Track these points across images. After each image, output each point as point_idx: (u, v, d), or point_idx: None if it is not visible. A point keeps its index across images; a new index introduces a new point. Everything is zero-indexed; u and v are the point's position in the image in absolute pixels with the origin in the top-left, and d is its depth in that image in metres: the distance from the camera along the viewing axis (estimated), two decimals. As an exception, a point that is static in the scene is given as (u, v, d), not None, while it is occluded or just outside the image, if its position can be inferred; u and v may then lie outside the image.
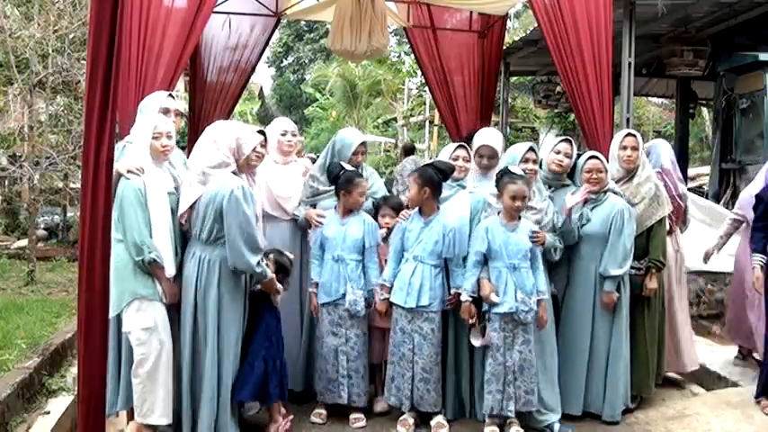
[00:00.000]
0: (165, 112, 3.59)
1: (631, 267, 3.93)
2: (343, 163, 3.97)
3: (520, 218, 3.73)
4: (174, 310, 3.37)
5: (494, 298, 3.64)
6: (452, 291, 3.78)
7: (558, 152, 4.00)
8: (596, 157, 3.98)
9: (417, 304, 3.70)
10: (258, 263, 3.32)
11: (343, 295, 3.85)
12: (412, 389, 3.74)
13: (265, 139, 3.66)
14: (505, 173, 3.69)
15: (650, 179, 4.07)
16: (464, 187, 4.03)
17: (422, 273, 3.73)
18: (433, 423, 3.77)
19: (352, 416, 3.87)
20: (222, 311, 3.35)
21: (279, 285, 3.58)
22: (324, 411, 3.90)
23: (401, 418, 3.80)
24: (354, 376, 3.88)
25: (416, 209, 3.87)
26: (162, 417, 3.28)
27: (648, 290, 4.01)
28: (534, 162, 3.83)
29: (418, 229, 3.80)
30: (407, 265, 3.78)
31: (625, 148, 4.08)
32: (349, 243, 3.88)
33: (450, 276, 3.81)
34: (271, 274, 3.48)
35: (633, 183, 4.07)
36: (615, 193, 3.99)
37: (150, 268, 3.22)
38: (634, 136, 4.11)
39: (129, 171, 3.23)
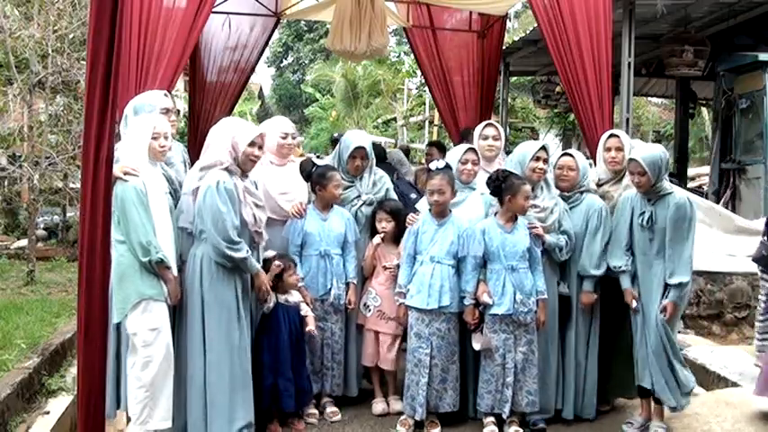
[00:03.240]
0: (166, 112, 3.59)
1: (618, 269, 3.87)
2: (314, 159, 4.01)
3: (517, 218, 3.73)
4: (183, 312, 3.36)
5: (486, 299, 3.65)
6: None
7: (561, 167, 3.90)
8: (569, 155, 3.95)
9: (439, 305, 3.68)
10: (234, 250, 3.26)
11: (329, 290, 3.89)
12: (428, 393, 3.71)
13: None
14: (510, 175, 3.66)
15: None
16: (474, 189, 4.03)
17: (440, 273, 3.72)
18: (426, 422, 3.76)
19: (329, 410, 3.94)
20: (205, 307, 3.32)
21: (267, 289, 3.55)
22: (316, 411, 3.93)
23: (401, 418, 3.80)
24: (336, 368, 3.97)
25: (427, 210, 3.86)
26: (163, 420, 3.20)
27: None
28: (545, 161, 3.79)
29: (432, 230, 3.79)
30: (424, 267, 3.75)
31: (609, 149, 3.97)
32: (332, 238, 3.91)
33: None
34: (258, 267, 3.45)
35: (622, 184, 3.96)
36: (594, 193, 3.93)
37: (157, 268, 3.17)
38: (618, 137, 4.00)
39: (125, 173, 3.16)
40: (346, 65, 20.19)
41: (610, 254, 3.78)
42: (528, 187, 3.63)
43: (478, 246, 3.68)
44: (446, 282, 3.71)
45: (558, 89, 11.01)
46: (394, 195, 4.31)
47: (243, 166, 3.39)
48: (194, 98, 6.19)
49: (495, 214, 3.77)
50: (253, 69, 6.55)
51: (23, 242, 8.17)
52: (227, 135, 3.37)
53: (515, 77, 12.67)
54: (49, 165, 6.96)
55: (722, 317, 5.91)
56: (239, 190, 3.34)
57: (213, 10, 4.61)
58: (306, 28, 30.92)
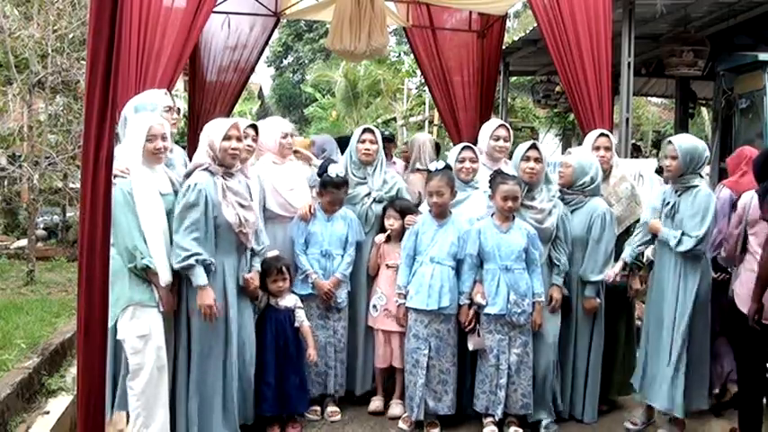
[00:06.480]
0: (169, 110, 3.57)
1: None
2: (331, 166, 3.98)
3: (514, 218, 3.72)
4: (171, 318, 3.29)
5: (479, 299, 3.64)
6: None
7: (528, 159, 3.84)
8: (569, 153, 3.95)
9: (439, 306, 3.68)
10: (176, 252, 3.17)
11: None
12: (426, 394, 3.71)
13: (256, 132, 3.78)
14: (498, 173, 3.70)
15: (625, 179, 3.98)
16: (476, 188, 4.03)
17: (440, 275, 3.72)
18: (426, 422, 3.77)
19: (329, 409, 3.94)
20: (190, 311, 3.33)
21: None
22: (318, 408, 3.94)
23: (404, 416, 3.82)
24: (339, 367, 3.97)
25: (427, 211, 3.85)
26: (161, 431, 3.16)
27: (634, 290, 3.96)
28: (536, 160, 3.77)
29: (432, 231, 3.79)
30: (424, 267, 3.76)
31: (598, 148, 4.00)
32: (335, 238, 3.93)
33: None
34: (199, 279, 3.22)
35: (610, 183, 3.99)
36: (601, 195, 3.90)
37: (144, 274, 3.11)
38: (607, 136, 4.03)
39: (114, 175, 3.02)
40: (346, 65, 20.18)
41: (609, 261, 3.81)
42: (508, 187, 3.62)
43: (473, 245, 3.69)
44: (446, 283, 3.71)
45: (557, 89, 11.00)
46: (407, 195, 4.30)
47: (223, 161, 3.31)
48: (194, 98, 6.20)
49: (493, 215, 3.77)
50: (252, 69, 6.55)
51: (23, 242, 8.16)
52: (203, 136, 3.35)
53: (515, 77, 12.66)
54: (49, 165, 6.96)
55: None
56: (218, 190, 3.27)
57: (213, 10, 4.60)
58: (305, 28, 30.89)
